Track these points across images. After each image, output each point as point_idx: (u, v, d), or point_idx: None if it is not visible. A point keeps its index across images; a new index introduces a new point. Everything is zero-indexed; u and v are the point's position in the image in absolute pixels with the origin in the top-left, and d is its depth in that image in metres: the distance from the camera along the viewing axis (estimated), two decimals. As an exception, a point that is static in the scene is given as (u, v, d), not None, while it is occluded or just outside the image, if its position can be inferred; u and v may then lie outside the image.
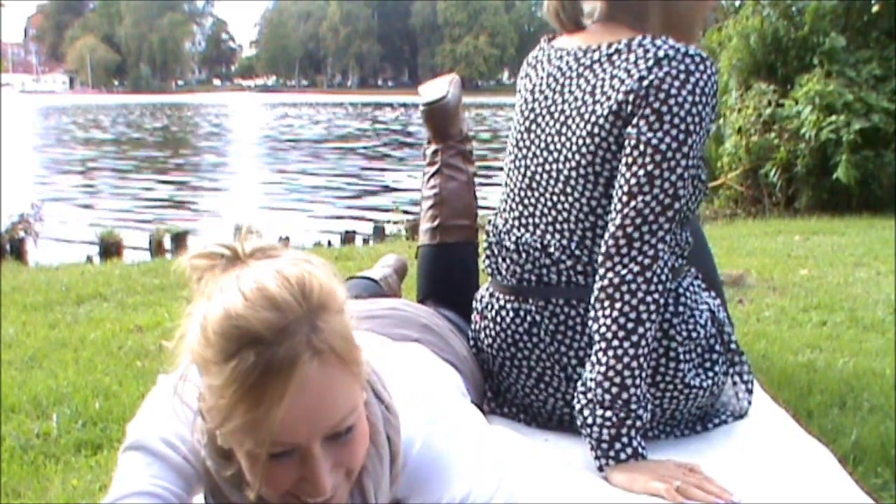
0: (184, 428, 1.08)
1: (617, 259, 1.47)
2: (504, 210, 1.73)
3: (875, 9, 7.03)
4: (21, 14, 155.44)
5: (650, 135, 1.48)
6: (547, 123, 1.63)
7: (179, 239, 7.74)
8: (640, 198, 1.48)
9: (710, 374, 1.63)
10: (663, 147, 1.47)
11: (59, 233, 8.33)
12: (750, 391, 1.75)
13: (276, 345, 0.90)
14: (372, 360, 1.10)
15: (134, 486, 1.06)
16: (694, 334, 1.60)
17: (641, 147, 1.49)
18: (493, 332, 1.71)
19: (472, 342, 1.80)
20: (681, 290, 1.60)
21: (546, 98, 1.64)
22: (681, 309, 1.59)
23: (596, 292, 1.50)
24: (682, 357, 1.58)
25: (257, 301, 0.91)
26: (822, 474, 1.51)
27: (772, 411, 1.83)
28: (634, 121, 1.50)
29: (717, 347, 1.66)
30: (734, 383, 1.74)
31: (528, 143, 1.66)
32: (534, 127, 1.65)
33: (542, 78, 1.66)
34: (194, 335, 0.96)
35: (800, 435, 1.70)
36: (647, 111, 1.49)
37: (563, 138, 1.58)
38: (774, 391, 2.21)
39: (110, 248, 7.15)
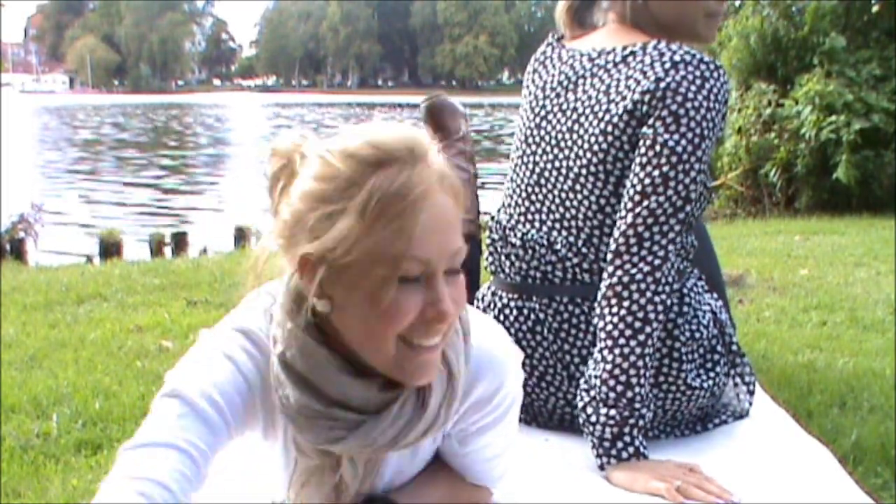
0: (229, 375, 1.05)
1: (627, 258, 1.48)
2: (509, 206, 1.73)
3: (875, 9, 7.03)
4: (21, 14, 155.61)
5: (667, 136, 1.49)
6: (558, 121, 1.63)
7: (179, 239, 7.75)
8: (653, 198, 1.48)
9: (712, 374, 1.64)
10: (679, 149, 1.48)
11: (58, 232, 8.32)
12: (751, 392, 1.75)
13: (411, 163, 0.97)
14: None
15: (162, 435, 1.01)
16: (697, 335, 1.60)
17: (657, 148, 1.49)
18: None
19: None
20: (685, 291, 1.61)
21: (558, 96, 1.65)
22: (685, 310, 1.59)
23: (603, 290, 1.50)
24: (684, 357, 1.58)
25: (386, 127, 1.00)
26: (822, 474, 1.51)
27: (772, 411, 1.84)
28: (650, 121, 1.51)
29: (719, 348, 1.66)
30: (735, 384, 1.74)
31: (537, 139, 1.67)
32: (544, 124, 1.65)
33: (553, 76, 1.67)
34: (300, 185, 1.00)
35: (800, 435, 1.70)
36: (664, 112, 1.49)
37: (575, 136, 1.59)
38: (774, 391, 2.21)
39: (110, 248, 7.15)
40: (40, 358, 2.99)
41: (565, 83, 1.64)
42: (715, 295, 1.80)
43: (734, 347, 1.72)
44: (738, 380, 1.74)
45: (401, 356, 1.00)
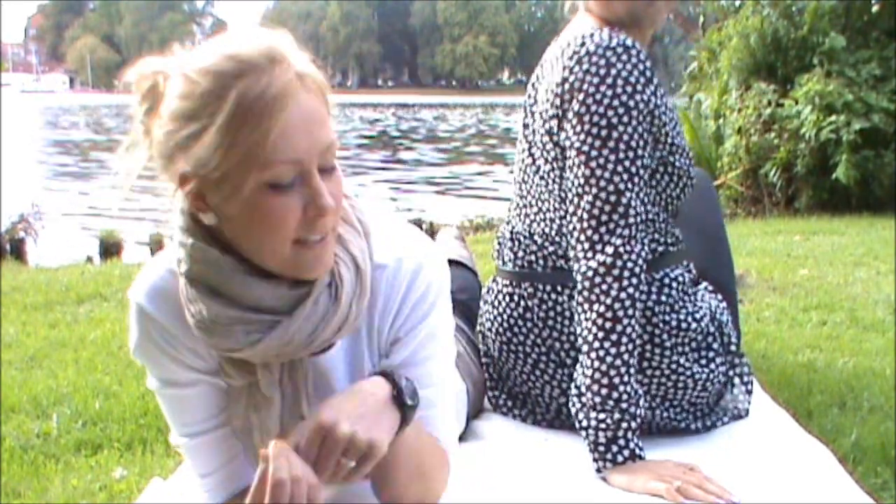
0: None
1: (584, 262, 1.51)
2: (510, 202, 1.80)
3: (875, 9, 7.02)
4: (21, 14, 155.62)
5: (574, 138, 1.53)
6: (529, 121, 1.69)
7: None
8: (584, 199, 1.52)
9: (706, 370, 1.64)
10: (586, 148, 1.51)
11: (58, 232, 8.32)
12: (749, 392, 1.75)
13: (269, 69, 0.98)
14: None
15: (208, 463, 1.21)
16: (684, 325, 1.61)
17: (571, 150, 1.54)
18: (492, 316, 1.77)
19: (478, 327, 1.85)
20: (667, 280, 1.62)
21: (530, 97, 1.70)
22: (664, 298, 1.61)
23: (576, 296, 1.51)
24: (667, 344, 1.60)
25: (242, 37, 1.01)
26: (822, 474, 1.51)
27: (772, 411, 1.84)
28: (564, 124, 1.55)
29: (715, 346, 1.67)
30: (733, 385, 1.75)
31: (523, 139, 1.73)
32: (529, 123, 1.70)
33: (537, 76, 1.72)
34: (168, 105, 1.00)
35: (800, 435, 1.70)
36: (570, 115, 1.53)
37: (538, 136, 1.64)
38: (774, 391, 2.21)
39: (110, 248, 7.14)
40: (40, 358, 2.99)
41: (536, 84, 1.69)
42: (719, 296, 1.81)
43: (733, 348, 1.73)
44: (736, 380, 1.75)
45: (294, 255, 1.03)
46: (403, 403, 1.08)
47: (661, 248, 1.64)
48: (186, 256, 1.06)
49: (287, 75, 0.98)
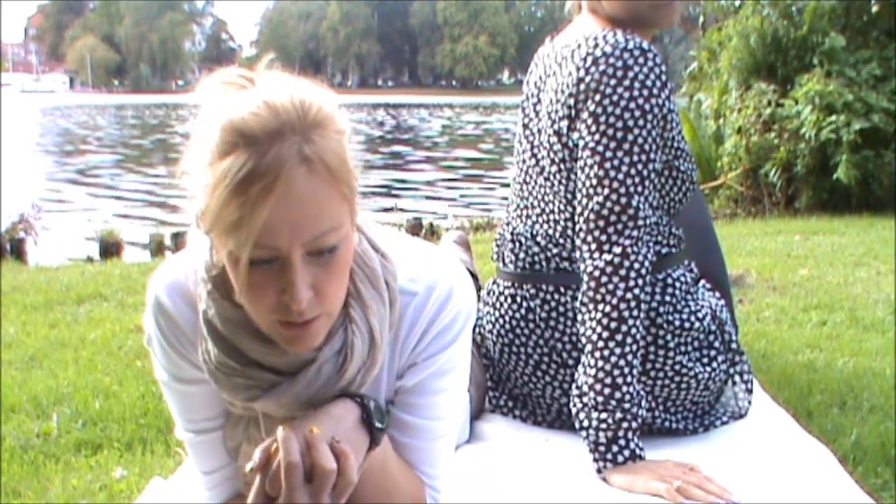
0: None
1: (590, 262, 1.50)
2: (509, 203, 1.80)
3: (875, 9, 7.02)
4: (21, 14, 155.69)
5: (588, 138, 1.52)
6: (533, 121, 1.68)
7: (179, 239, 7.74)
8: (595, 199, 1.51)
9: (708, 368, 1.64)
10: (601, 149, 1.50)
11: (58, 232, 8.32)
12: (750, 391, 1.75)
13: (267, 146, 0.92)
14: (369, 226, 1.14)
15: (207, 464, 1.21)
16: (687, 325, 1.61)
17: (585, 150, 1.53)
18: (493, 318, 1.76)
19: (477, 329, 1.84)
20: (669, 281, 1.62)
21: (534, 95, 1.69)
22: (667, 298, 1.61)
23: (580, 296, 1.51)
24: (671, 345, 1.60)
25: (259, 106, 0.95)
26: (822, 474, 1.51)
27: (772, 411, 1.84)
28: (577, 124, 1.54)
29: (717, 344, 1.67)
30: (734, 383, 1.75)
31: (523, 139, 1.72)
32: (529, 123, 1.70)
33: (539, 76, 1.70)
34: (190, 142, 0.99)
35: (800, 435, 1.70)
36: (585, 115, 1.52)
37: (544, 136, 1.63)
38: (774, 391, 2.21)
39: (110, 248, 7.14)
40: (40, 358, 2.99)
41: (539, 83, 1.68)
42: (717, 294, 1.81)
43: (733, 346, 1.73)
44: (736, 378, 1.75)
45: (276, 330, 1.00)
46: (372, 425, 1.07)
47: (663, 251, 1.64)
48: (204, 300, 1.06)
49: (286, 155, 0.92)
